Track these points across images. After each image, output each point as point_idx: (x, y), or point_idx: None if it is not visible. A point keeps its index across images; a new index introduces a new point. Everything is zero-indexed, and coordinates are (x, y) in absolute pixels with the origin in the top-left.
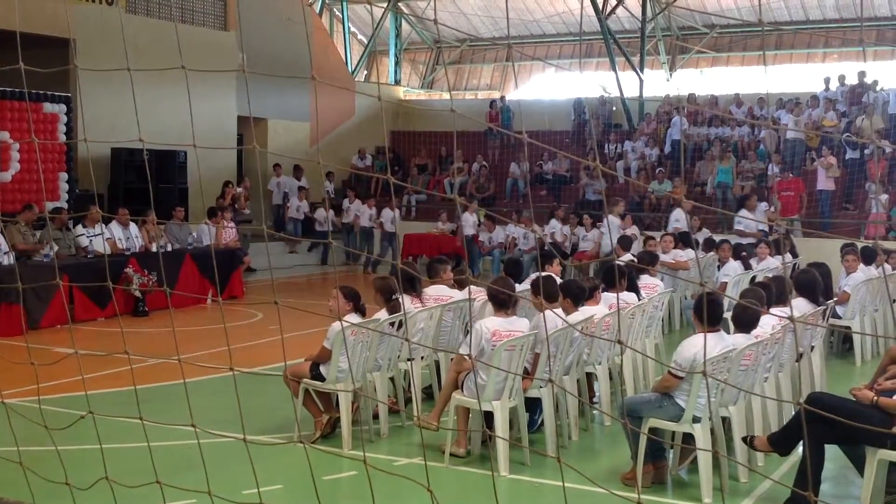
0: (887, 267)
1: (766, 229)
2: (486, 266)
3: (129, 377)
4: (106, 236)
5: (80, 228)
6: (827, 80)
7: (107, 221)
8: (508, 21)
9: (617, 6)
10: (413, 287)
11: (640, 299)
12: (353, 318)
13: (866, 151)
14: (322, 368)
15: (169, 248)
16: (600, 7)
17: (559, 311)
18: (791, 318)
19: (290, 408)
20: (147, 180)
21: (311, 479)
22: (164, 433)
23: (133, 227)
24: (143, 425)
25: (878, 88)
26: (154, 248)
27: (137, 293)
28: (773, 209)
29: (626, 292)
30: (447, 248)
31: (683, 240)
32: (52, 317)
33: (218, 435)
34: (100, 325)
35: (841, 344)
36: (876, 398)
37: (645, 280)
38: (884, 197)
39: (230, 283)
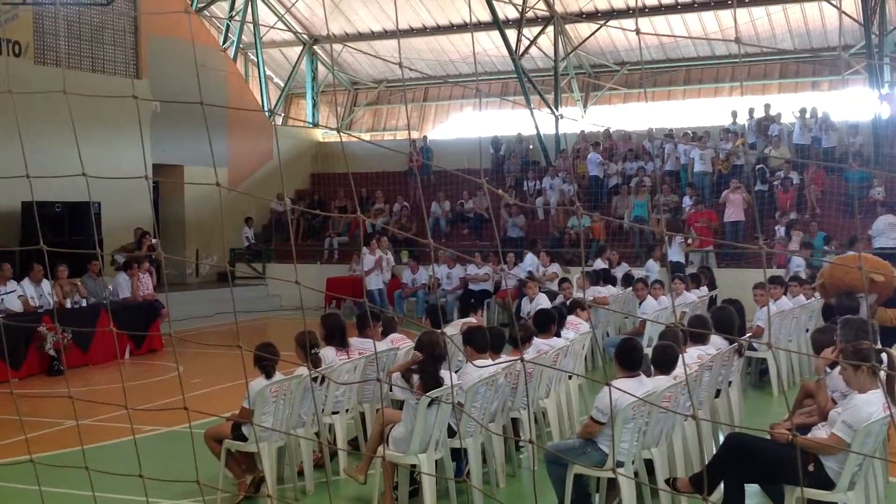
0: (801, 298)
1: (683, 262)
2: (411, 307)
3: (43, 443)
4: (18, 294)
5: None
6: (734, 114)
7: (20, 278)
8: (406, 62)
9: (529, 46)
10: (338, 339)
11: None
12: (262, 381)
13: (775, 183)
14: (244, 428)
15: (84, 304)
16: (514, 48)
17: (484, 361)
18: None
19: (212, 468)
20: (62, 233)
21: None
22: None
23: (46, 283)
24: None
25: (780, 120)
26: (68, 305)
27: (52, 352)
28: (690, 241)
29: (554, 338)
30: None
31: (603, 276)
32: None
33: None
34: (14, 386)
35: (758, 376)
36: (791, 437)
37: (570, 319)
38: (781, 229)
39: (148, 336)
